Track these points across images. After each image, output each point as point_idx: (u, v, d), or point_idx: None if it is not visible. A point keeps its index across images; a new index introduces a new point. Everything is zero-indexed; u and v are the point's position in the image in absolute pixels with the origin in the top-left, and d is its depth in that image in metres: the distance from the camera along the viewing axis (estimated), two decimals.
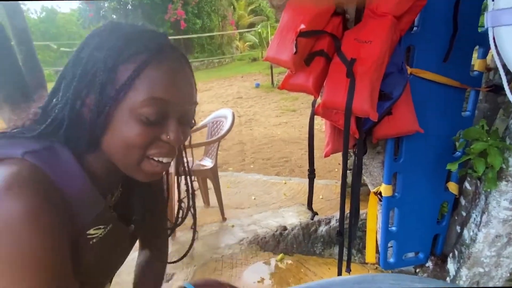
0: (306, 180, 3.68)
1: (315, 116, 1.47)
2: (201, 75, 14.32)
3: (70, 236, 0.53)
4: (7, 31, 2.58)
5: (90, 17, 13.46)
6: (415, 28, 1.41)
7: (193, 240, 0.81)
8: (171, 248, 2.58)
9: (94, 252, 0.59)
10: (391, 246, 1.84)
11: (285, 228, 2.46)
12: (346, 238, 1.54)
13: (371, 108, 1.20)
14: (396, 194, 1.71)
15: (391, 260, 1.83)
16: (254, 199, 3.28)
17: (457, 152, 1.64)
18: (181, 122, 0.59)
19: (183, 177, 0.75)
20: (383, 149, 1.66)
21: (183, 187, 0.76)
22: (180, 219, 0.77)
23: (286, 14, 1.34)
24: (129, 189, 0.73)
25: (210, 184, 2.98)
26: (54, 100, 0.58)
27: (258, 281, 2.14)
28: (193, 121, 0.64)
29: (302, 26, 1.26)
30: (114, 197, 0.68)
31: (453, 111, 1.59)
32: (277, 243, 2.39)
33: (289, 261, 2.28)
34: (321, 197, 3.12)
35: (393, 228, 1.78)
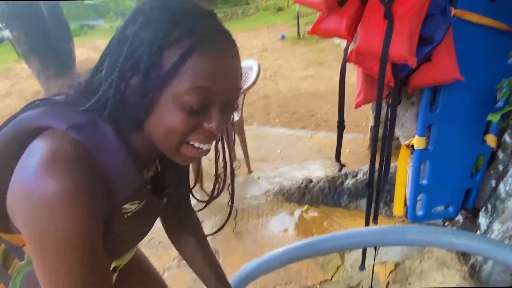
0: (332, 134, 3.64)
1: (347, 64, 1.39)
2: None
3: (105, 212, 0.54)
4: None
5: None
6: None
7: (229, 215, 0.82)
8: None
9: (126, 225, 0.61)
10: (420, 200, 1.81)
11: (310, 181, 2.46)
12: (374, 191, 1.52)
13: (409, 53, 1.11)
14: (429, 147, 1.64)
15: (420, 213, 1.80)
16: (280, 152, 3.28)
17: (499, 102, 1.53)
18: (224, 109, 0.57)
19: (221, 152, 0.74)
20: (418, 100, 1.57)
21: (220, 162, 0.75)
22: (216, 193, 0.76)
23: None
24: (165, 164, 0.73)
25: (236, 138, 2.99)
26: (98, 76, 0.57)
27: (284, 231, 2.19)
28: (235, 105, 0.62)
29: None
30: (150, 171, 0.68)
31: (499, 57, 1.46)
32: (302, 195, 2.41)
33: (314, 213, 2.30)
34: (347, 151, 3.08)
35: (424, 182, 1.74)
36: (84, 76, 0.59)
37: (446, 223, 1.89)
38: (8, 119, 0.59)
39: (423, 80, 1.34)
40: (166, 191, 0.73)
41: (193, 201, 0.86)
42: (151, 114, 0.54)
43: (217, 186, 0.76)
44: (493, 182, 1.65)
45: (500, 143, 1.63)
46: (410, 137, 1.69)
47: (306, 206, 2.33)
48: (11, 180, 0.52)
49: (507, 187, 1.50)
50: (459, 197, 1.78)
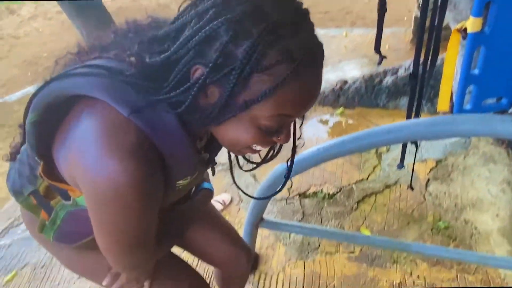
0: (370, 30, 3.32)
1: None
2: None
3: (162, 190, 0.56)
4: None
5: None
6: None
7: (283, 185, 0.80)
8: None
9: (177, 195, 0.66)
10: (469, 92, 1.64)
11: (345, 82, 2.32)
12: (418, 83, 1.37)
13: None
14: (485, 29, 1.41)
15: (468, 106, 1.64)
16: None
17: None
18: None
19: None
20: None
21: None
22: (269, 156, 0.72)
23: None
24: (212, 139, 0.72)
25: None
26: (163, 60, 0.51)
27: (317, 135, 2.13)
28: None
29: None
30: (203, 141, 0.68)
31: None
32: (336, 97, 2.29)
33: (350, 114, 2.20)
34: (387, 46, 2.82)
35: (475, 71, 1.55)
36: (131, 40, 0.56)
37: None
38: (49, 80, 0.55)
39: None
40: (213, 158, 0.72)
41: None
42: (223, 123, 0.52)
43: (272, 151, 0.72)
44: None
45: None
46: (463, 19, 1.46)
47: (340, 109, 2.22)
48: (68, 153, 0.53)
49: None
50: (510, 86, 1.59)
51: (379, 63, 1.48)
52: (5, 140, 2.96)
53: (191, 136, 0.56)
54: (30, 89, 3.82)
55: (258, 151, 0.60)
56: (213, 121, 0.52)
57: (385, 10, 1.31)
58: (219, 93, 0.49)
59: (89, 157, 0.49)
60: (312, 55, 0.49)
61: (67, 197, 0.64)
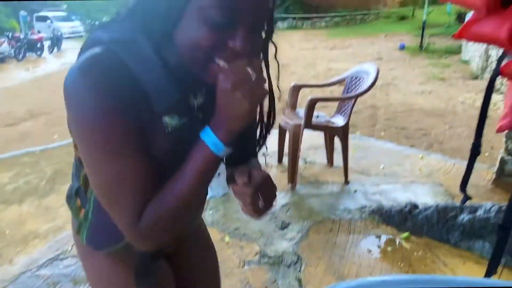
0: (448, 159, 3.20)
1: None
2: (340, 31, 13.60)
3: (142, 117, 0.58)
4: None
5: None
6: None
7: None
8: (288, 199, 2.61)
9: (169, 141, 0.63)
10: None
11: (416, 206, 2.19)
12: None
13: None
14: None
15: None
16: (383, 168, 3.02)
17: None
18: (251, 30, 0.56)
19: None
20: None
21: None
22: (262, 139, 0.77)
23: None
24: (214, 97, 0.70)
25: (336, 143, 2.83)
26: None
27: (376, 255, 1.98)
28: (263, 28, 0.62)
29: None
30: (198, 98, 0.68)
31: None
32: (403, 219, 2.15)
33: (416, 243, 2.03)
34: None
35: None
36: None
37: None
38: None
39: None
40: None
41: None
42: (180, 25, 0.56)
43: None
44: None
45: None
46: None
47: (406, 233, 2.07)
48: None
49: None
50: None
51: (463, 202, 1.39)
52: None
53: (168, 68, 0.60)
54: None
55: (223, 70, 0.57)
56: (169, 19, 0.57)
57: (479, 152, 1.26)
58: None
59: (69, 73, 0.56)
60: None
61: None
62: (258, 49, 0.64)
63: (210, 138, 0.59)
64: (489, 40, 1.08)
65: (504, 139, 2.65)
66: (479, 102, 1.34)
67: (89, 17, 19.74)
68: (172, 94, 0.60)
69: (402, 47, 9.85)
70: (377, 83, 2.76)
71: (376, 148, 3.48)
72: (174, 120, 0.62)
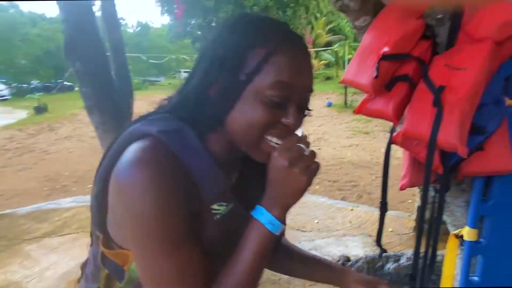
0: (375, 209, 3.48)
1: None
2: None
3: (193, 207, 0.59)
4: (105, 44, 2.87)
5: (178, 32, 14.52)
6: None
7: None
8: None
9: (218, 229, 0.64)
10: None
11: (348, 259, 2.32)
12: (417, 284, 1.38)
13: (460, 142, 1.07)
14: (481, 240, 1.50)
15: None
16: (317, 223, 3.17)
17: None
18: (299, 107, 0.63)
19: None
20: (469, 187, 1.48)
21: None
22: None
23: (369, 35, 1.27)
24: (246, 176, 0.75)
25: None
26: (190, 81, 0.65)
27: None
28: (308, 107, 0.67)
29: (386, 49, 1.18)
30: (232, 180, 0.71)
31: None
32: None
33: None
34: (390, 230, 2.91)
35: (475, 278, 1.56)
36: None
37: None
38: (116, 138, 0.68)
39: (475, 169, 1.26)
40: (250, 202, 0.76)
41: None
42: (233, 110, 0.60)
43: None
44: None
45: None
46: (460, 226, 1.56)
47: None
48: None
49: None
50: None
51: (380, 256, 1.53)
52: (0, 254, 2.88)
53: (212, 154, 0.62)
54: (42, 205, 3.90)
55: (277, 147, 0.60)
56: (223, 107, 0.60)
57: (386, 209, 1.43)
58: (224, 77, 0.60)
59: (120, 167, 0.57)
60: (293, 37, 0.62)
61: (122, 275, 0.66)
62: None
63: (265, 217, 0.60)
64: (380, 116, 1.30)
65: (418, 189, 2.96)
66: (399, 152, 1.55)
67: (16, 80, 18.86)
68: (220, 182, 0.63)
69: (329, 105, 10.74)
70: (310, 138, 2.98)
71: (311, 203, 3.67)
72: (222, 207, 0.63)
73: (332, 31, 18.55)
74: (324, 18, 18.10)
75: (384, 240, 1.56)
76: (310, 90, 0.64)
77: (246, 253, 0.59)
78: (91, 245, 0.73)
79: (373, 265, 2.17)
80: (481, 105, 1.18)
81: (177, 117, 0.63)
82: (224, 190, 0.63)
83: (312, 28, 17.61)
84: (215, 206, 0.62)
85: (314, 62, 17.75)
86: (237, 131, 0.61)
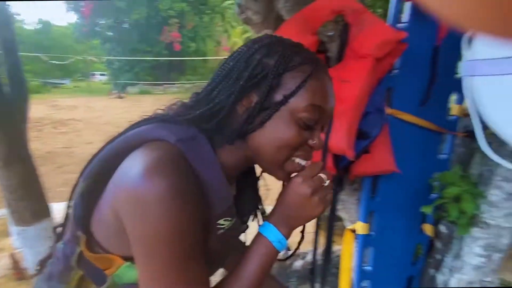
0: None
1: None
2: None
3: (203, 220, 0.58)
4: None
5: (85, 31, 13.51)
6: (395, 71, 1.44)
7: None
8: None
9: (219, 242, 0.64)
10: (366, 286, 1.81)
11: None
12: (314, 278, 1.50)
13: (347, 147, 1.20)
14: (372, 232, 1.69)
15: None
16: None
17: (433, 194, 1.64)
18: (323, 129, 0.65)
19: None
20: (360, 187, 1.65)
21: None
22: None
23: None
24: (240, 190, 0.75)
25: None
26: (214, 92, 0.62)
27: None
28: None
29: None
30: (232, 190, 0.71)
31: (430, 153, 1.60)
32: None
33: None
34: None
35: (368, 268, 1.75)
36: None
37: None
38: (116, 136, 0.64)
39: (362, 169, 1.42)
40: (245, 218, 0.76)
41: None
42: (262, 128, 0.60)
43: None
44: (432, 271, 1.70)
45: (437, 233, 1.71)
46: (355, 221, 1.74)
47: None
48: (113, 190, 0.57)
49: (444, 277, 1.55)
50: (402, 285, 1.80)
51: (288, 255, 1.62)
52: None
53: (225, 171, 0.61)
54: None
55: (300, 167, 0.63)
56: (252, 124, 0.60)
57: None
58: (257, 96, 0.60)
59: (132, 175, 0.53)
60: (321, 61, 0.65)
61: (102, 280, 0.63)
62: None
63: (274, 235, 0.61)
64: None
65: None
66: None
67: None
68: (229, 198, 0.62)
69: None
70: None
71: None
72: (227, 222, 0.63)
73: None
74: (240, 27, 18.55)
75: (292, 239, 1.66)
76: (333, 114, 0.67)
77: (252, 268, 0.61)
78: (60, 242, 0.68)
79: (282, 263, 2.29)
80: (366, 113, 1.34)
81: (194, 124, 0.61)
82: (231, 205, 0.63)
83: (229, 36, 17.91)
84: (221, 221, 0.62)
85: None
86: (265, 149, 0.61)
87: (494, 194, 1.32)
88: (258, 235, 0.63)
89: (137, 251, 0.55)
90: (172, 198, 0.52)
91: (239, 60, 0.62)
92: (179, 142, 0.57)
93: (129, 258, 0.60)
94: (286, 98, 0.59)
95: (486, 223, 1.36)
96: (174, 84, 15.21)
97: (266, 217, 0.66)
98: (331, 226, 1.40)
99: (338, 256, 2.09)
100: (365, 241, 1.67)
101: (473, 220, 1.36)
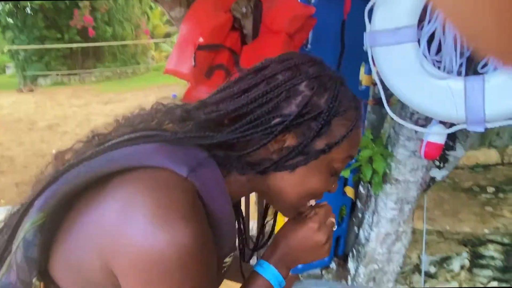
0: None
1: None
2: (113, 85, 13.50)
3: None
4: None
5: None
6: (308, 46, 1.51)
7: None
8: None
9: (219, 279, 0.59)
10: None
11: None
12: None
13: None
14: None
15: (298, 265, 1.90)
16: None
17: None
18: None
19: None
20: None
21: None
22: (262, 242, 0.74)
23: (185, 26, 1.33)
24: None
25: None
26: (244, 120, 0.52)
27: None
28: None
29: (201, 40, 1.26)
30: None
31: None
32: None
33: None
34: None
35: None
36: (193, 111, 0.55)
37: (323, 272, 2.02)
38: (89, 155, 0.50)
39: None
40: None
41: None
42: (287, 171, 0.53)
43: (262, 235, 0.73)
44: (356, 229, 1.87)
45: (357, 194, 1.88)
46: None
47: None
48: (99, 234, 0.45)
49: (365, 233, 1.71)
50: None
51: None
52: None
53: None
54: None
55: (308, 208, 0.61)
56: (285, 166, 0.52)
57: None
58: (297, 140, 0.52)
59: (142, 223, 0.42)
60: (359, 103, 0.59)
61: None
62: None
63: (276, 279, 0.58)
64: None
65: None
66: None
67: None
68: (235, 232, 0.57)
69: (175, 97, 10.71)
70: None
71: None
72: (230, 258, 0.57)
73: (170, 22, 18.39)
74: (159, 9, 17.74)
75: None
76: None
77: None
78: None
79: None
80: None
81: (203, 146, 0.51)
82: (235, 241, 0.58)
83: (148, 18, 17.06)
84: (226, 259, 0.56)
85: (155, 53, 17.30)
86: (289, 192, 0.55)
87: (400, 153, 1.47)
88: (258, 277, 0.59)
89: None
90: (193, 256, 0.43)
91: (277, 87, 0.52)
92: (192, 176, 0.47)
93: None
94: (329, 148, 0.52)
95: (396, 179, 1.52)
96: (92, 72, 14.18)
97: (264, 257, 0.61)
98: (266, 208, 1.45)
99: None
100: None
101: (385, 178, 1.51)
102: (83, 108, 10.20)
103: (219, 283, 0.61)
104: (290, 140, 0.52)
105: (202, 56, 1.28)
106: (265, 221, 0.74)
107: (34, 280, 0.49)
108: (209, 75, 1.34)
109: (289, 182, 0.54)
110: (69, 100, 11.38)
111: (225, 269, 0.58)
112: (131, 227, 0.43)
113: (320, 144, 0.52)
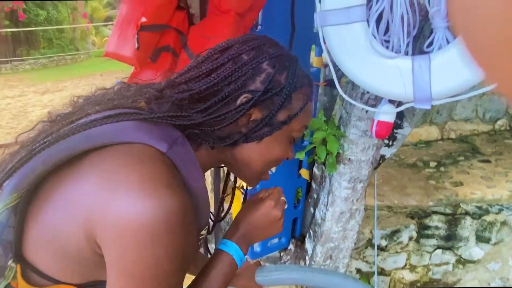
0: None
1: None
2: (50, 73, 12.52)
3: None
4: None
5: None
6: (259, 27, 1.46)
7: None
8: None
9: (196, 250, 0.65)
10: None
11: None
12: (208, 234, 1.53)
13: None
14: (257, 186, 1.77)
15: (258, 249, 1.91)
16: None
17: (305, 141, 1.79)
18: None
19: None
20: None
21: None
22: (221, 216, 0.82)
23: (125, 4, 1.22)
24: None
25: None
26: (214, 98, 0.56)
27: None
28: None
29: (144, 19, 1.17)
30: None
31: None
32: None
33: None
34: None
35: (258, 249, 1.85)
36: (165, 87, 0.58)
37: (282, 254, 2.04)
38: (64, 133, 0.50)
39: None
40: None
41: None
42: (254, 142, 0.59)
43: (221, 209, 0.80)
44: (312, 210, 1.89)
45: (312, 175, 1.90)
46: None
47: None
48: (82, 207, 0.47)
49: (321, 213, 1.74)
50: (288, 228, 1.97)
51: None
52: None
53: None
54: None
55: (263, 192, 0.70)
56: (252, 137, 0.58)
57: None
58: (262, 113, 0.57)
59: (129, 192, 0.45)
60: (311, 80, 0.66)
61: None
62: None
63: (238, 254, 0.64)
64: None
65: None
66: None
67: None
68: (209, 204, 0.59)
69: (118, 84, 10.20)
70: None
71: None
72: (205, 231, 0.63)
73: (111, 5, 17.30)
74: None
75: None
76: None
77: (214, 282, 0.62)
78: None
79: None
80: None
81: (174, 125, 0.54)
82: (208, 213, 0.62)
83: (86, 1, 15.93)
84: (203, 231, 0.62)
85: (96, 39, 16.26)
86: (255, 161, 0.61)
87: (352, 133, 1.50)
88: (222, 253, 0.64)
89: (120, 282, 0.46)
90: (179, 221, 0.46)
91: (243, 65, 0.57)
92: (170, 151, 0.51)
93: (85, 286, 0.52)
94: (290, 119, 0.59)
95: (349, 159, 1.55)
96: (25, 60, 13.05)
97: (227, 236, 0.67)
98: (217, 184, 1.41)
99: (230, 214, 2.16)
100: (251, 194, 1.75)
101: (338, 158, 1.53)
102: (18, 100, 9.38)
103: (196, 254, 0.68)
104: (256, 114, 0.58)
105: (146, 37, 1.19)
106: (225, 195, 0.81)
107: (10, 262, 0.50)
108: (155, 58, 1.25)
109: (257, 152, 0.60)
110: (2, 91, 10.41)
111: (201, 241, 0.65)
112: (119, 197, 0.45)
113: (282, 116, 0.59)
